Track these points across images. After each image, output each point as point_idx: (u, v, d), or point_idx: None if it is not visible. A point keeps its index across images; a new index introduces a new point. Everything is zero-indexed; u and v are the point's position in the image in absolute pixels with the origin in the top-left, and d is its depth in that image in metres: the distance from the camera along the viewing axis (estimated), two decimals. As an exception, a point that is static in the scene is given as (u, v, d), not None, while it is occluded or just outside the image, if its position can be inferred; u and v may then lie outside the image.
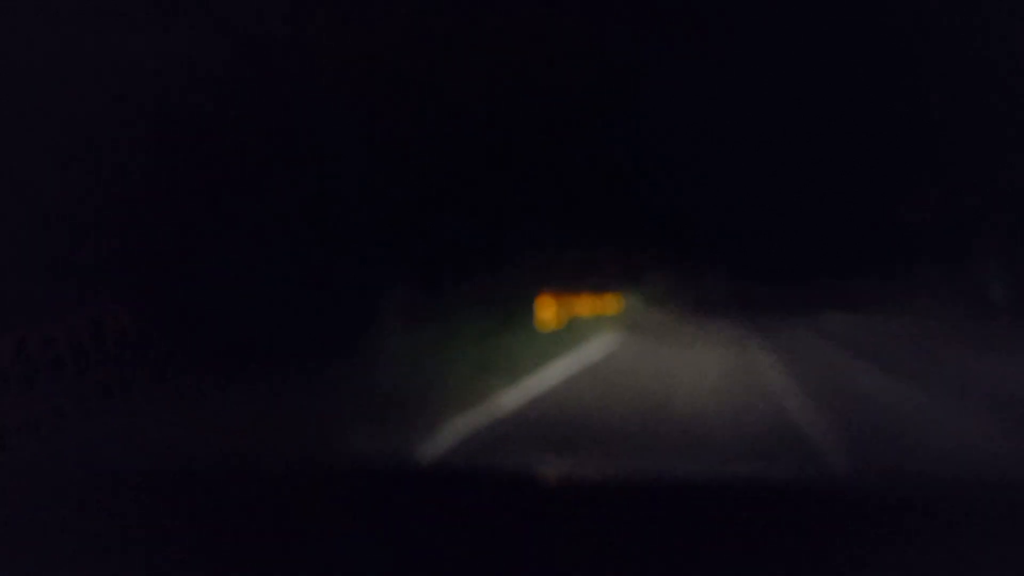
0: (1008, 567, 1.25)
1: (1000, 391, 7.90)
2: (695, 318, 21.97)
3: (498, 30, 12.56)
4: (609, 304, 20.69)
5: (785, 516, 1.53)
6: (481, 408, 5.90)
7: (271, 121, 8.08)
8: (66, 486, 1.63)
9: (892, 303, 23.32)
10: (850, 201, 34.96)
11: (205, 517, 1.48)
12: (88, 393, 4.96)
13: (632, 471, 2.29)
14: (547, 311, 14.30)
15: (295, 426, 5.07)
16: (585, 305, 18.13)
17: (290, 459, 2.68)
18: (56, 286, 5.78)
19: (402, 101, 10.89)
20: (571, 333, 13.99)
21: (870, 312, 21.88)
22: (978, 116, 20.83)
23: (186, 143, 7.47)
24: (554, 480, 1.96)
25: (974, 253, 25.17)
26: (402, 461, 4.25)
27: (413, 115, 11.06)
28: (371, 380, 6.94)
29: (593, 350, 11.56)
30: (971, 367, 9.91)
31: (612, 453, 5.01)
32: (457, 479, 1.95)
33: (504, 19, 12.74)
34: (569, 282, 16.99)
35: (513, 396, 6.63)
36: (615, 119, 19.91)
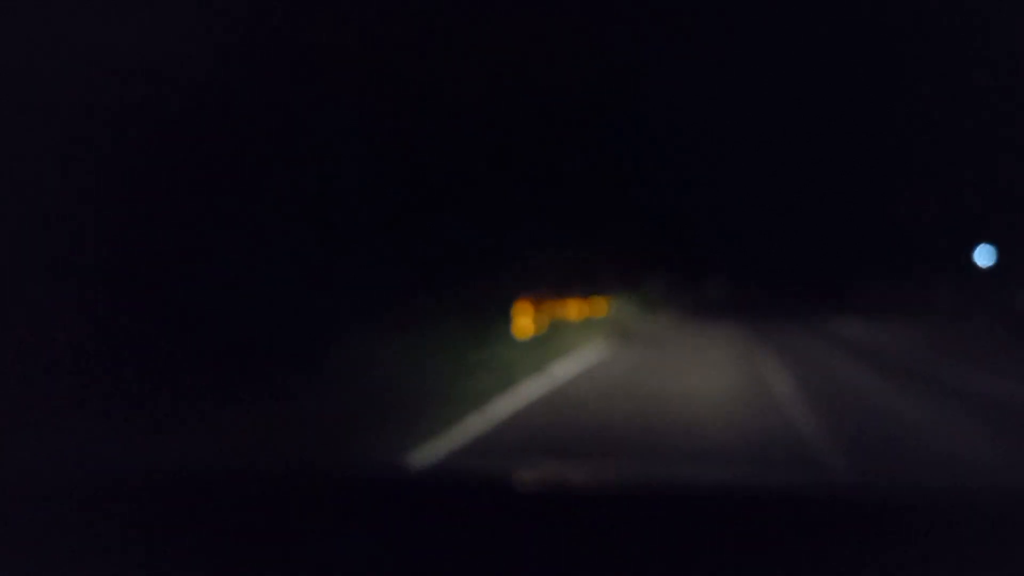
0: (1005, 571, 1.25)
1: (999, 393, 7.74)
2: (694, 323, 20.11)
3: (493, 25, 12.54)
4: (598, 309, 18.70)
5: (782, 521, 1.52)
6: (408, 457, 4.74)
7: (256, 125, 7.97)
8: (64, 487, 1.63)
9: (902, 305, 22.47)
10: (854, 202, 34.64)
11: (201, 519, 1.48)
12: (87, 394, 4.87)
13: (630, 475, 2.27)
14: (526, 318, 12.44)
15: (267, 432, 4.93)
16: (571, 310, 16.04)
17: (284, 463, 2.67)
18: (56, 286, 5.68)
19: (380, 102, 10.70)
20: (552, 343, 11.91)
21: (881, 317, 20.42)
22: (981, 117, 20.85)
23: (185, 145, 7.32)
24: (552, 484, 1.95)
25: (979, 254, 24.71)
26: (399, 465, 4.17)
27: (387, 114, 10.89)
28: (308, 405, 5.95)
29: (571, 366, 9.62)
30: (974, 374, 9.21)
31: (611, 457, 4.86)
32: (455, 482, 1.93)
33: (499, 13, 12.74)
34: (554, 285, 15.24)
35: (451, 438, 5.21)
36: (602, 112, 19.75)
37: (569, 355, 10.77)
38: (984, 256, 23.30)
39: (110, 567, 1.26)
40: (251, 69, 8.34)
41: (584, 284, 17.39)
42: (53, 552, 1.28)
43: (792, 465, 4.79)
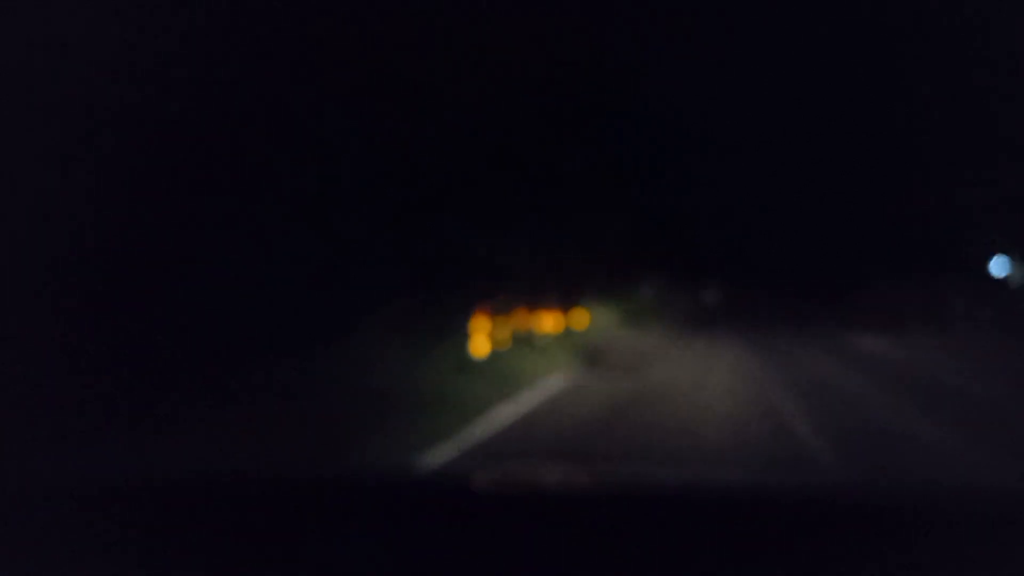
0: (1005, 572, 1.26)
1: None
2: (689, 339, 17.52)
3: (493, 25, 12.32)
4: (578, 319, 16.43)
5: (781, 522, 1.52)
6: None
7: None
8: (63, 488, 1.65)
9: (918, 316, 20.73)
10: (862, 207, 33.27)
11: (200, 521, 1.50)
12: (87, 395, 4.94)
13: (630, 477, 2.32)
14: (481, 334, 10.42)
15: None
16: (544, 321, 13.89)
17: (282, 465, 2.73)
18: (56, 287, 5.69)
19: (380, 102, 10.33)
20: (507, 367, 9.68)
21: (902, 330, 18.28)
22: (994, 119, 20.26)
23: (183, 145, 7.22)
24: (553, 487, 1.98)
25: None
26: (398, 468, 4.22)
27: (384, 113, 10.39)
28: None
29: (513, 408, 7.41)
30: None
31: (613, 460, 4.79)
32: (455, 486, 1.97)
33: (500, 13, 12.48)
34: (526, 293, 13.25)
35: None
36: (596, 112, 19.00)
37: (520, 388, 8.56)
38: (999, 267, 22.68)
39: (109, 568, 1.27)
40: (251, 68, 8.17)
41: (564, 291, 15.68)
42: (53, 553, 1.30)
43: (792, 466, 4.73)
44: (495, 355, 10.32)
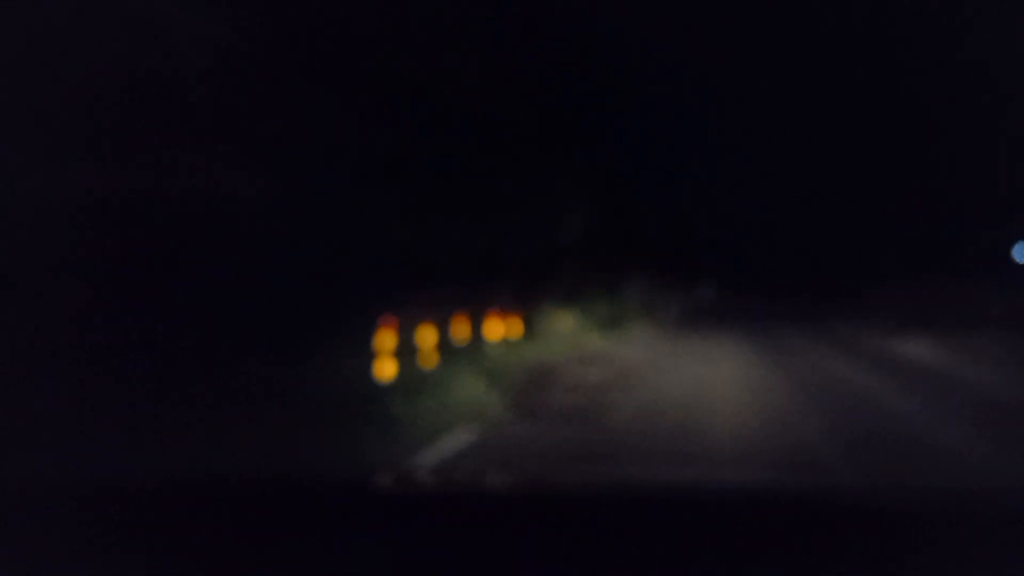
0: (1003, 573, 1.31)
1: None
2: (681, 345, 14.85)
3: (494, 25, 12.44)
4: (529, 329, 12.84)
5: (782, 523, 1.55)
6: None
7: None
8: (62, 489, 1.70)
9: (940, 311, 19.11)
10: (873, 196, 33.09)
11: (197, 522, 1.55)
12: (86, 395, 5.06)
13: (625, 478, 2.39)
14: (384, 353, 7.92)
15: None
16: (488, 331, 10.96)
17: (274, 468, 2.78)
18: (55, 287, 5.78)
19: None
20: (398, 410, 6.84)
21: (935, 328, 16.39)
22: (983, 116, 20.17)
23: (182, 144, 7.36)
24: (558, 488, 2.05)
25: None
26: (398, 470, 4.28)
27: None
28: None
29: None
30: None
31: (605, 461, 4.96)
32: (460, 487, 2.06)
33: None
34: (465, 295, 10.54)
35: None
36: (590, 100, 18.90)
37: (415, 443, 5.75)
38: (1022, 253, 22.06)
39: (109, 568, 1.33)
40: (250, 67, 8.37)
41: (524, 293, 12.95)
42: (53, 553, 1.34)
43: (794, 468, 4.86)
44: (403, 382, 7.76)
